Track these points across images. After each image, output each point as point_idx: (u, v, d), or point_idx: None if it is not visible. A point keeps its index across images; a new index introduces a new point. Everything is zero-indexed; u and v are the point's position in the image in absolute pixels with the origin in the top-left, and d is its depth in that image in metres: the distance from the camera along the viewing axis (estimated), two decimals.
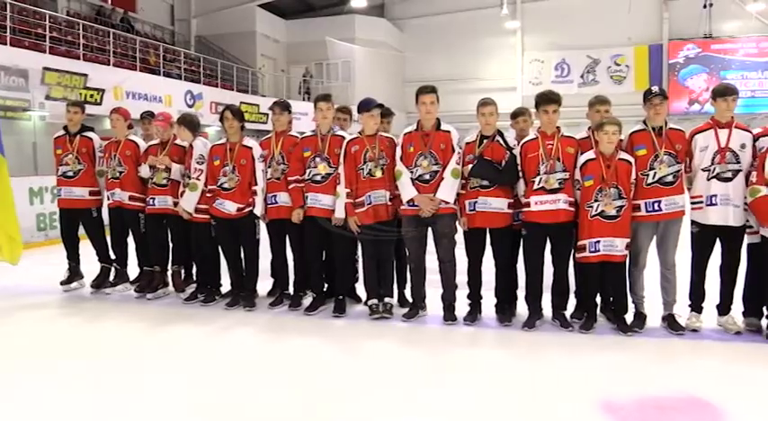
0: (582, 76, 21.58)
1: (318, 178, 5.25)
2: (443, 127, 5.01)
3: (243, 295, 5.61)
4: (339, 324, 5.15)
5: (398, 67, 23.95)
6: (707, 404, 3.51)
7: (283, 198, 5.43)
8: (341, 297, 5.37)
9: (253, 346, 4.71)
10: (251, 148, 5.50)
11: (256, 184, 5.47)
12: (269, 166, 5.49)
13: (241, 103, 15.61)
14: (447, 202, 4.89)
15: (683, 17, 20.77)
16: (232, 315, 5.43)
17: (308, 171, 5.28)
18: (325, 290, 5.54)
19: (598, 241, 4.56)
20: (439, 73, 21.89)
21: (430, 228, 5.05)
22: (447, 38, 22.90)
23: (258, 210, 5.49)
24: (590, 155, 4.63)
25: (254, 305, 5.53)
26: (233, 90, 18.07)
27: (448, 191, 4.87)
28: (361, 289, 5.61)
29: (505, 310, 5.05)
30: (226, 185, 5.46)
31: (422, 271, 5.16)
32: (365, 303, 5.38)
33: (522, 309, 5.08)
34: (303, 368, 4.16)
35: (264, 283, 5.87)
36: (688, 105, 20.00)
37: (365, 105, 5.15)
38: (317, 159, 5.25)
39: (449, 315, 5.04)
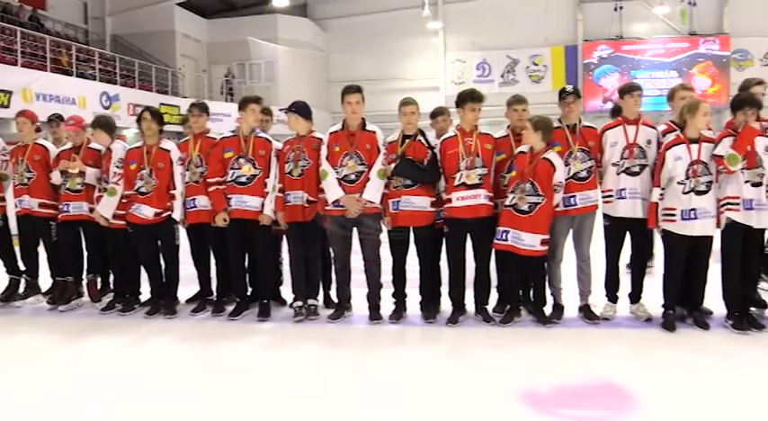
0: (502, 76, 22.12)
1: (243, 180, 5.15)
2: (369, 127, 5.03)
3: (163, 303, 5.44)
4: (264, 328, 5.07)
5: (322, 68, 23.85)
6: (619, 388, 3.67)
7: (202, 201, 5.30)
8: (265, 301, 5.30)
9: (174, 354, 4.57)
10: (169, 151, 5.35)
11: (174, 188, 5.32)
12: (187, 169, 5.35)
13: (161, 104, 15.14)
14: (373, 203, 4.90)
15: (595, 19, 21.63)
16: (152, 324, 5.26)
17: (230, 172, 5.18)
18: (249, 294, 5.44)
19: (507, 231, 4.67)
20: (363, 73, 21.91)
21: (355, 228, 5.05)
22: (371, 38, 22.98)
23: (177, 215, 5.34)
24: (524, 148, 4.74)
25: (175, 312, 5.38)
26: (152, 91, 17.50)
27: (374, 191, 4.88)
28: (285, 291, 5.55)
29: (430, 308, 5.11)
30: (143, 189, 5.28)
31: (347, 271, 5.15)
32: (291, 305, 5.33)
33: (446, 305, 5.15)
34: (226, 374, 4.07)
35: (187, 289, 5.71)
36: (602, 103, 20.84)
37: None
38: (241, 160, 5.16)
39: (374, 314, 5.06)
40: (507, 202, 4.69)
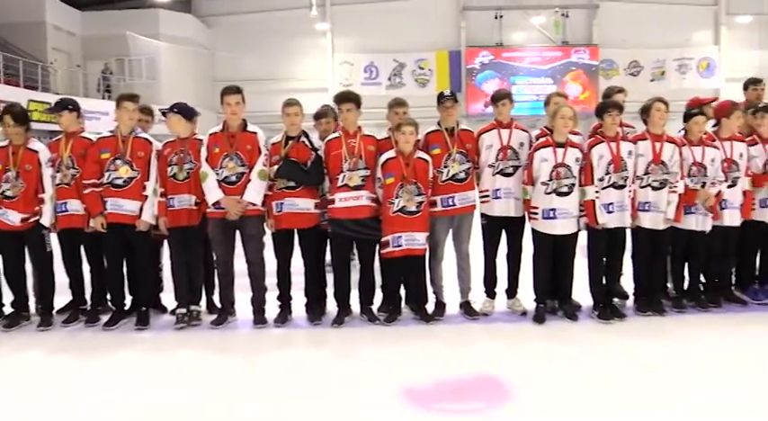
0: (389, 79, 22.48)
1: (120, 182, 4.90)
2: (250, 128, 4.95)
3: (25, 315, 5.09)
4: (143, 337, 4.85)
5: (208, 66, 23.18)
6: (496, 381, 3.84)
7: (75, 205, 4.99)
8: (144, 308, 5.08)
9: (45, 369, 4.27)
10: (37, 152, 5.00)
11: (43, 192, 4.98)
12: (58, 171, 5.03)
13: (30, 100, 14.12)
14: (254, 204, 4.83)
15: (477, 26, 22.49)
16: (17, 338, 4.88)
17: (106, 174, 4.92)
18: (127, 302, 5.18)
19: (400, 236, 4.77)
20: (250, 72, 21.54)
21: (237, 231, 4.95)
22: (258, 37, 22.60)
23: (46, 220, 5.00)
24: (391, 154, 4.83)
25: (50, 324, 5.03)
26: (19, 86, 16.27)
27: (255, 192, 4.81)
28: (166, 298, 5.35)
29: (315, 309, 5.10)
30: (9, 193, 4.90)
31: (229, 275, 5.04)
32: (172, 312, 5.15)
33: (331, 306, 5.16)
34: (102, 387, 3.87)
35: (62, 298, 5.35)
36: (484, 107, 21.67)
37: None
38: (118, 162, 4.91)
39: (259, 318, 4.99)
40: (394, 209, 4.77)
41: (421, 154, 4.86)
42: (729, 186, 5.01)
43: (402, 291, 5.09)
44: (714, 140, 5.05)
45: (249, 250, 4.95)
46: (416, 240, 4.78)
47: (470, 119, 20.26)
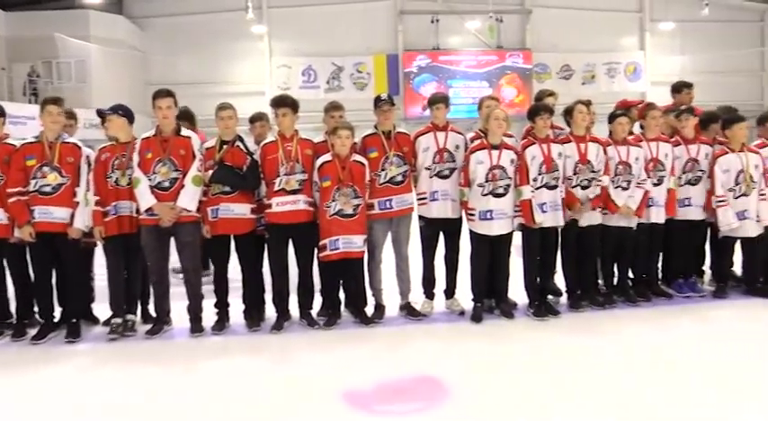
0: (328, 82, 22.38)
1: (48, 189, 4.72)
2: (183, 132, 4.86)
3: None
4: (75, 350, 4.67)
5: (141, 69, 22.50)
6: (435, 381, 3.88)
7: None
8: (74, 320, 4.90)
9: None
10: None
11: None
12: None
13: None
14: (189, 210, 4.73)
15: (414, 30, 22.67)
16: None
17: (33, 182, 4.72)
18: (56, 314, 4.98)
19: (337, 239, 4.77)
20: (186, 75, 21.06)
21: (172, 238, 4.84)
22: (194, 39, 22.11)
23: None
24: (327, 157, 4.83)
25: None
26: None
27: (189, 198, 4.71)
28: (98, 308, 5.17)
29: (254, 315, 5.04)
30: None
31: (164, 283, 4.92)
32: (104, 323, 4.99)
33: (270, 312, 5.11)
34: (31, 405, 3.71)
35: None
36: (422, 110, 21.89)
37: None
38: (46, 169, 4.72)
39: (196, 326, 4.89)
40: (331, 212, 4.76)
41: (357, 157, 4.88)
42: (655, 185, 5.23)
43: (341, 295, 5.08)
44: (641, 141, 5.26)
45: (184, 257, 4.85)
46: (354, 243, 4.80)
47: (409, 122, 20.39)
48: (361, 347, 4.56)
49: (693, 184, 5.38)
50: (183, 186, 4.70)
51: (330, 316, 5.01)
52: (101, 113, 4.99)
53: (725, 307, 5.31)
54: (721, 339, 4.53)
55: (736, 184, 5.29)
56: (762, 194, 5.34)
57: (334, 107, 5.20)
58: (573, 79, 23.35)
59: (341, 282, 5.02)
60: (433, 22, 22.32)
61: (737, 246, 5.55)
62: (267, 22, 22.43)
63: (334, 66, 22.54)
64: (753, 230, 5.33)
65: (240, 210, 4.84)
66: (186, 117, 5.45)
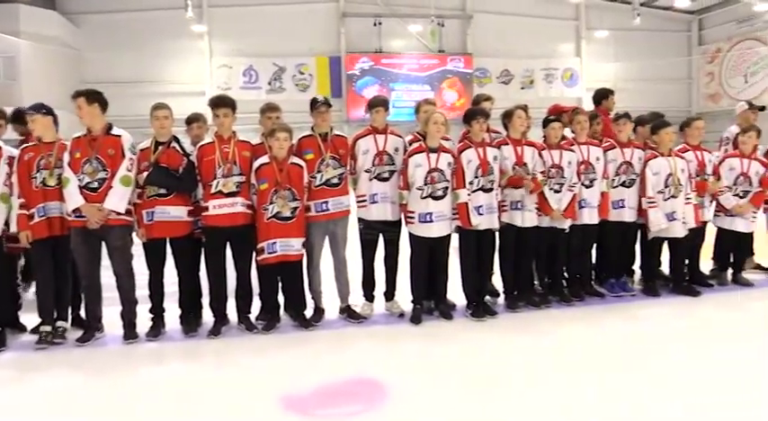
0: (270, 83, 22.12)
1: None
2: (114, 131, 4.71)
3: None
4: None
5: (75, 67, 21.67)
6: (375, 383, 3.89)
7: None
8: (0, 328, 4.69)
9: None
10: None
11: None
12: None
13: None
14: (119, 213, 4.59)
15: (357, 32, 22.66)
16: None
17: None
18: None
19: (275, 242, 4.73)
20: (123, 74, 20.43)
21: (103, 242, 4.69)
22: (132, 37, 21.44)
23: None
24: (264, 159, 4.77)
25: None
26: None
27: (117, 199, 4.57)
28: (26, 317, 4.97)
29: (191, 320, 4.94)
30: None
31: (95, 288, 4.76)
32: (33, 331, 4.80)
33: (207, 317, 5.01)
34: None
35: None
36: (365, 113, 21.91)
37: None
38: None
39: (130, 333, 4.75)
40: (269, 215, 4.71)
41: (295, 159, 4.84)
42: (587, 187, 5.39)
43: (280, 298, 5.04)
44: (573, 145, 5.41)
45: (115, 262, 4.71)
46: (292, 246, 4.76)
47: (351, 124, 20.40)
48: (300, 351, 4.52)
49: (627, 187, 5.56)
50: (111, 187, 4.55)
51: (269, 320, 4.95)
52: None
53: (654, 305, 5.50)
54: (651, 336, 4.69)
55: (666, 187, 5.50)
56: (687, 198, 5.57)
57: (270, 108, 5.15)
58: (512, 84, 23.85)
59: (279, 285, 4.96)
60: (375, 24, 22.38)
61: (665, 247, 5.77)
62: (207, 22, 22.02)
63: (275, 66, 22.30)
64: (680, 231, 5.55)
65: (176, 212, 4.74)
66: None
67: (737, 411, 3.36)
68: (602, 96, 6.53)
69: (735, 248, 6.04)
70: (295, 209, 4.76)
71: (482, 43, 23.42)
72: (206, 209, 4.73)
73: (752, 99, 21.93)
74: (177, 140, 4.85)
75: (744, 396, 3.55)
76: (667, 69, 25.19)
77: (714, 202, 5.98)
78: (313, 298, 5.12)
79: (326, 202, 4.96)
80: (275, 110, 5.14)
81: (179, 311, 4.95)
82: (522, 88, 23.67)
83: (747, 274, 6.11)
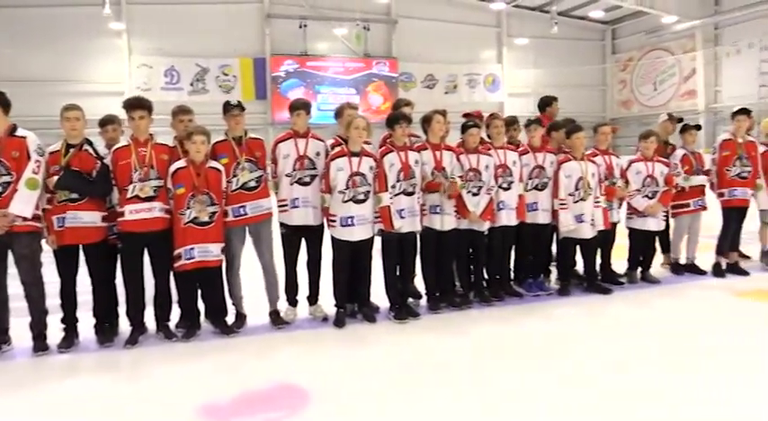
0: (192, 84, 21.59)
1: None
2: (19, 132, 4.49)
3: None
4: None
5: None
6: (296, 388, 3.87)
7: None
8: None
9: None
10: None
11: None
12: None
13: None
14: (25, 218, 4.38)
15: (282, 34, 22.47)
16: None
17: None
18: None
19: (193, 248, 4.64)
20: (36, 72, 19.49)
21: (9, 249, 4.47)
22: (45, 34, 20.41)
23: None
24: (181, 163, 4.67)
25: None
26: None
27: (22, 203, 4.35)
28: None
29: (106, 330, 4.77)
30: None
31: (1, 299, 4.53)
32: None
33: (124, 326, 4.86)
34: None
35: None
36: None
37: None
38: None
39: (39, 344, 4.54)
40: (186, 220, 4.61)
41: (213, 163, 4.76)
42: (505, 189, 5.56)
43: (200, 305, 4.94)
44: (489, 149, 5.57)
45: (22, 271, 4.48)
46: (210, 252, 4.69)
47: (276, 126, 20.22)
48: (220, 358, 4.45)
49: (540, 190, 5.77)
50: (16, 190, 4.34)
51: (188, 327, 4.85)
52: None
53: (569, 304, 5.72)
54: (566, 335, 4.87)
55: (576, 190, 5.75)
56: (596, 201, 5.84)
57: (182, 111, 5.05)
58: (436, 88, 24.27)
59: (199, 291, 4.87)
60: (301, 26, 22.28)
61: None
62: (126, 19, 21.27)
63: (198, 67, 21.81)
64: (588, 233, 5.81)
65: (89, 218, 4.58)
66: None
67: (646, 402, 3.54)
68: (546, 104, 6.87)
69: (646, 248, 6.37)
70: (213, 213, 4.68)
71: (407, 48, 23.73)
72: (122, 214, 4.59)
73: (659, 106, 23.25)
74: (90, 143, 4.68)
75: (651, 388, 3.74)
76: (583, 76, 26.30)
77: (624, 205, 6.30)
78: (234, 304, 5.05)
79: (244, 207, 4.90)
80: (188, 112, 5.04)
81: (93, 321, 4.78)
82: (446, 93, 24.14)
83: (654, 271, 6.46)
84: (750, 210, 6.64)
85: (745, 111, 6.52)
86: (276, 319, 5.11)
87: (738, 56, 22.02)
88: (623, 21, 25.84)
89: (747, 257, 7.10)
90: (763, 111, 17.73)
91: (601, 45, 27.40)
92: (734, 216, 6.49)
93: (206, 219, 4.65)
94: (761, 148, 6.57)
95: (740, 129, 6.45)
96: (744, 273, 6.54)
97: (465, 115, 5.80)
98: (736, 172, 6.37)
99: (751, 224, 6.80)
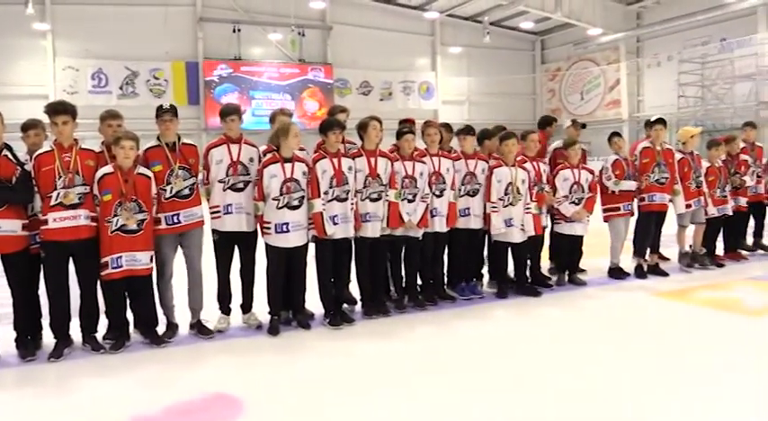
0: (121, 88, 20.98)
1: None
2: None
3: None
4: None
5: None
6: (230, 398, 3.80)
7: None
8: None
9: None
10: None
11: None
12: None
13: None
14: None
15: (215, 38, 22.11)
16: None
17: None
18: None
19: (120, 256, 4.51)
20: None
21: None
22: None
23: None
24: (108, 169, 4.54)
25: None
26: None
27: None
28: None
29: (28, 343, 4.56)
30: None
31: None
32: None
33: (48, 338, 4.66)
34: None
35: None
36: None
37: None
38: None
39: None
40: (113, 228, 4.48)
41: (142, 169, 4.65)
42: (437, 196, 5.65)
43: (129, 315, 4.80)
44: (424, 156, 5.65)
45: None
46: (138, 260, 4.57)
47: (210, 132, 19.88)
48: (151, 369, 4.33)
49: (472, 196, 5.90)
50: None
51: (117, 338, 4.70)
52: None
53: (500, 306, 5.87)
54: (498, 337, 4.99)
55: (506, 194, 5.90)
56: (527, 207, 6.02)
57: (111, 116, 4.92)
58: (372, 95, 24.46)
59: (127, 301, 4.74)
60: (235, 31, 22.02)
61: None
62: (51, 19, 20.47)
63: (128, 70, 21.22)
64: (518, 237, 5.98)
65: (9, 226, 4.38)
66: None
67: (577, 403, 3.65)
68: (547, 123, 7.31)
69: (572, 251, 6.60)
70: (142, 221, 4.57)
71: (342, 54, 23.81)
72: (45, 222, 4.41)
73: (586, 114, 24.17)
74: (9, 148, 4.48)
75: (581, 388, 3.87)
76: (514, 85, 27.05)
77: (551, 210, 6.51)
78: (165, 313, 4.94)
79: (178, 215, 4.81)
80: (117, 117, 4.91)
81: (14, 334, 4.57)
82: (382, 100, 24.35)
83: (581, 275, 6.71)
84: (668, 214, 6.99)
85: (661, 121, 6.86)
86: (202, 330, 5.01)
87: (659, 67, 23.17)
88: (552, 32, 26.72)
89: (666, 259, 7.46)
90: (682, 121, 18.74)
91: (531, 55, 28.25)
92: (654, 220, 6.81)
93: (134, 226, 4.53)
94: (677, 156, 6.94)
95: (658, 137, 6.79)
96: (663, 274, 6.87)
97: (402, 121, 5.87)
98: (655, 178, 6.69)
99: (669, 228, 7.15)
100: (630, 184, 6.67)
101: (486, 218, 5.92)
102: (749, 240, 7.93)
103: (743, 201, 7.54)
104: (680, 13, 21.25)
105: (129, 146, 4.51)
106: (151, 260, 4.65)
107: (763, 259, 7.77)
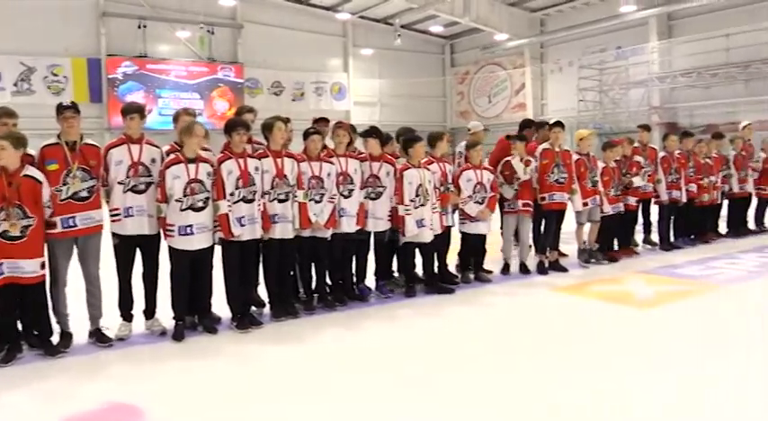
0: (16, 84, 19.72)
1: None
2: None
3: None
4: None
5: None
6: (130, 408, 3.67)
7: None
8: None
9: None
10: None
11: None
12: None
13: None
14: None
15: (119, 34, 21.20)
16: None
17: None
18: None
19: (1, 263, 4.24)
20: None
21: None
22: None
23: None
24: None
25: None
26: None
27: None
28: None
29: None
30: None
31: None
32: None
33: None
34: None
35: None
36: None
37: None
38: None
39: None
40: None
41: (31, 171, 4.38)
42: (346, 197, 5.67)
43: (19, 325, 4.53)
44: (332, 157, 5.66)
45: None
46: (22, 268, 4.29)
47: (114, 132, 19.03)
48: (45, 382, 4.11)
49: (374, 199, 5.93)
50: None
51: (7, 350, 4.41)
52: None
53: (411, 305, 5.95)
54: (408, 337, 5.04)
55: (417, 196, 6.00)
56: (434, 207, 6.15)
57: (6, 113, 4.62)
58: (284, 95, 24.24)
59: (16, 311, 4.46)
60: (140, 27, 21.24)
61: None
62: None
63: (23, 66, 20.02)
64: (428, 236, 6.10)
65: None
66: None
67: (491, 400, 3.74)
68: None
69: (477, 250, 6.80)
70: (26, 227, 4.30)
71: (253, 53, 23.46)
72: None
73: (493, 117, 24.93)
74: None
75: (493, 385, 3.98)
76: (425, 88, 27.55)
77: (457, 210, 6.68)
78: (59, 322, 4.68)
79: (74, 218, 4.58)
80: (11, 116, 4.61)
81: None
82: (294, 100, 24.18)
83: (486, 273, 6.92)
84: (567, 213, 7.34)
85: (560, 124, 7.20)
86: (101, 338, 4.80)
87: (561, 73, 24.24)
88: (461, 36, 27.40)
89: (565, 255, 7.81)
90: (582, 124, 19.67)
91: (441, 58, 28.87)
92: (554, 217, 7.13)
93: (16, 233, 4.25)
94: (575, 157, 7.29)
95: (557, 139, 7.11)
96: (563, 269, 7.20)
97: (317, 120, 5.86)
98: (554, 178, 7.00)
99: (568, 225, 7.50)
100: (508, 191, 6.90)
101: (398, 219, 5.97)
102: (638, 237, 8.47)
103: (632, 201, 8.01)
104: (580, 21, 22.34)
105: (1, 146, 4.21)
106: (42, 267, 4.39)
107: (652, 254, 8.31)
